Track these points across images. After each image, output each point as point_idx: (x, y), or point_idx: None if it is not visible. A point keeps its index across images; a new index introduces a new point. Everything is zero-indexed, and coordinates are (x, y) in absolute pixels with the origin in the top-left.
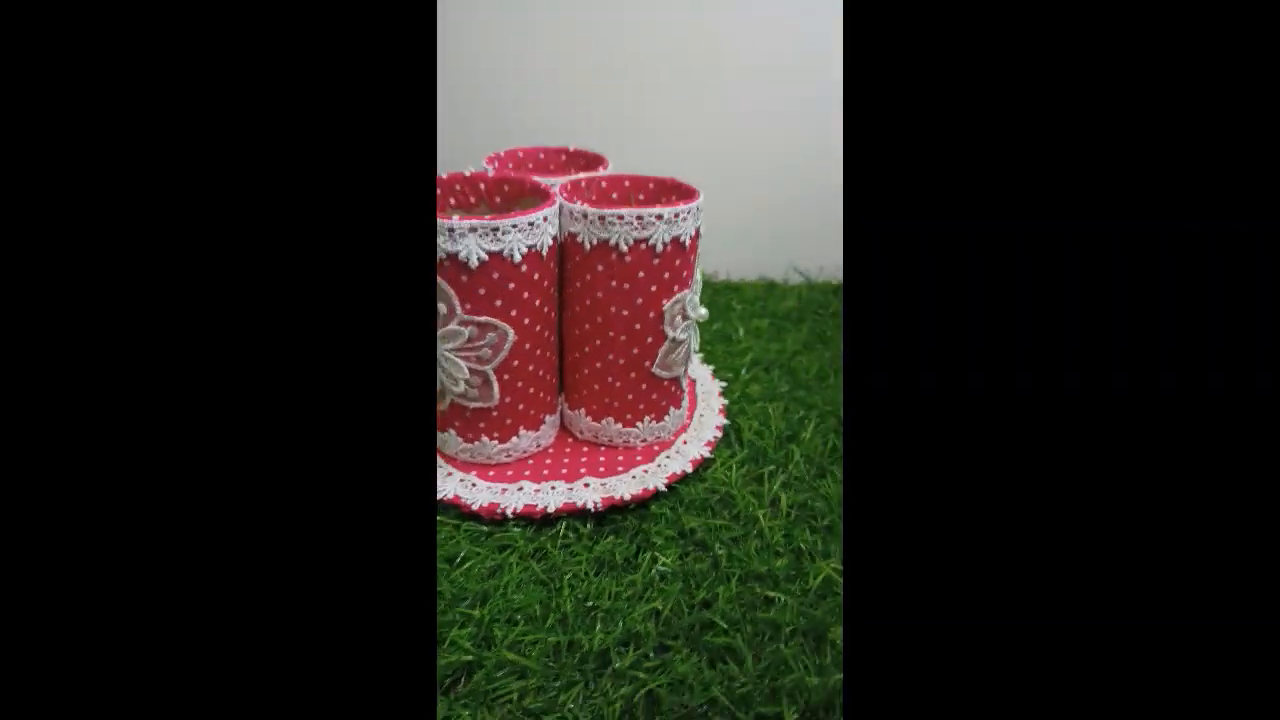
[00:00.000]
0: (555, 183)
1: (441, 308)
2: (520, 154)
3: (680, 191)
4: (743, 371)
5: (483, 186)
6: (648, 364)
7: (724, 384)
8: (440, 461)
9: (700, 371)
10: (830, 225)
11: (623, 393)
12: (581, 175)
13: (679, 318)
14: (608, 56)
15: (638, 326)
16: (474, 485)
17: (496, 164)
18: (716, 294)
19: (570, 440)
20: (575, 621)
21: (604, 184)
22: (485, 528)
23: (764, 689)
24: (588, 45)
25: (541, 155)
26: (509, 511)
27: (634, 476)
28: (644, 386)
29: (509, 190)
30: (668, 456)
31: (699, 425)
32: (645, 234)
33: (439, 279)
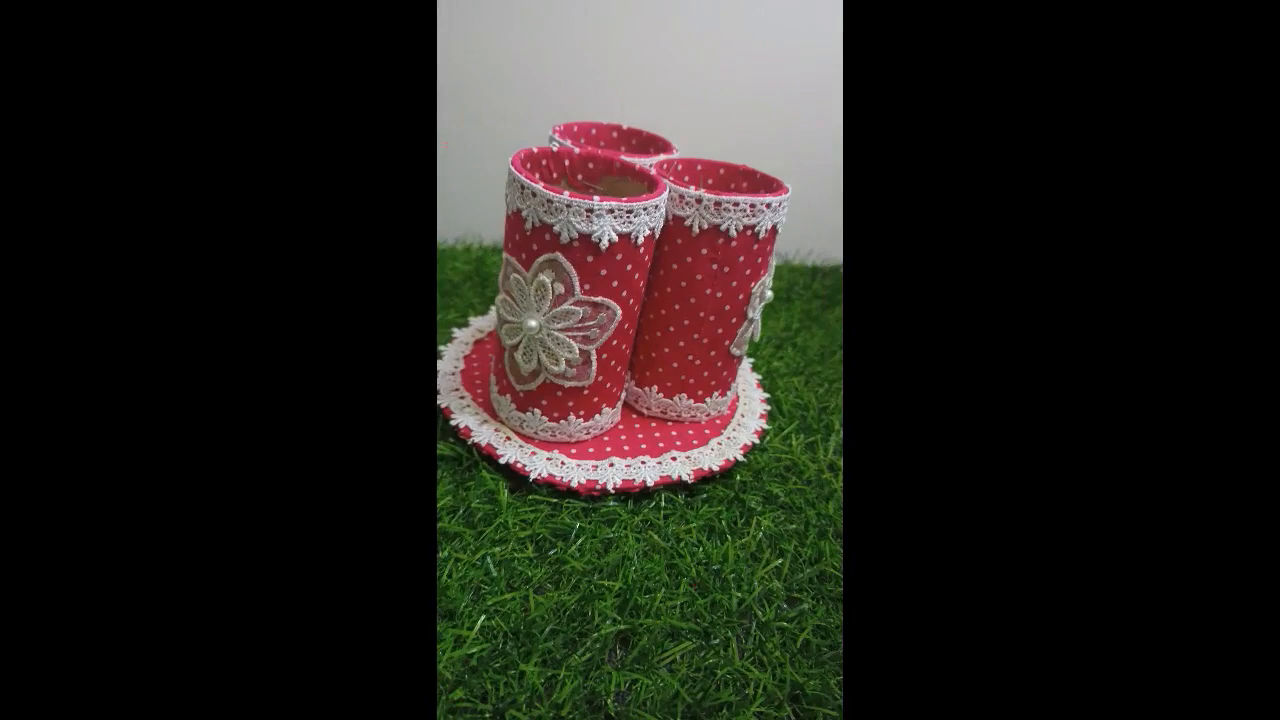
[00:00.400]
0: (645, 162)
1: (559, 287)
2: (575, 127)
3: (751, 179)
4: (761, 349)
5: (567, 163)
6: (727, 343)
7: (750, 359)
8: (519, 441)
9: None
10: (804, 212)
11: (700, 370)
12: (661, 158)
13: (758, 299)
14: (604, 41)
15: (727, 307)
16: (563, 463)
17: (564, 134)
18: None
19: (636, 417)
20: (709, 584)
21: (679, 166)
22: (583, 504)
23: None
24: (583, 30)
25: (594, 130)
26: (610, 487)
27: (712, 448)
28: (719, 364)
29: (593, 168)
30: (734, 429)
31: (745, 398)
32: (754, 221)
33: (562, 258)
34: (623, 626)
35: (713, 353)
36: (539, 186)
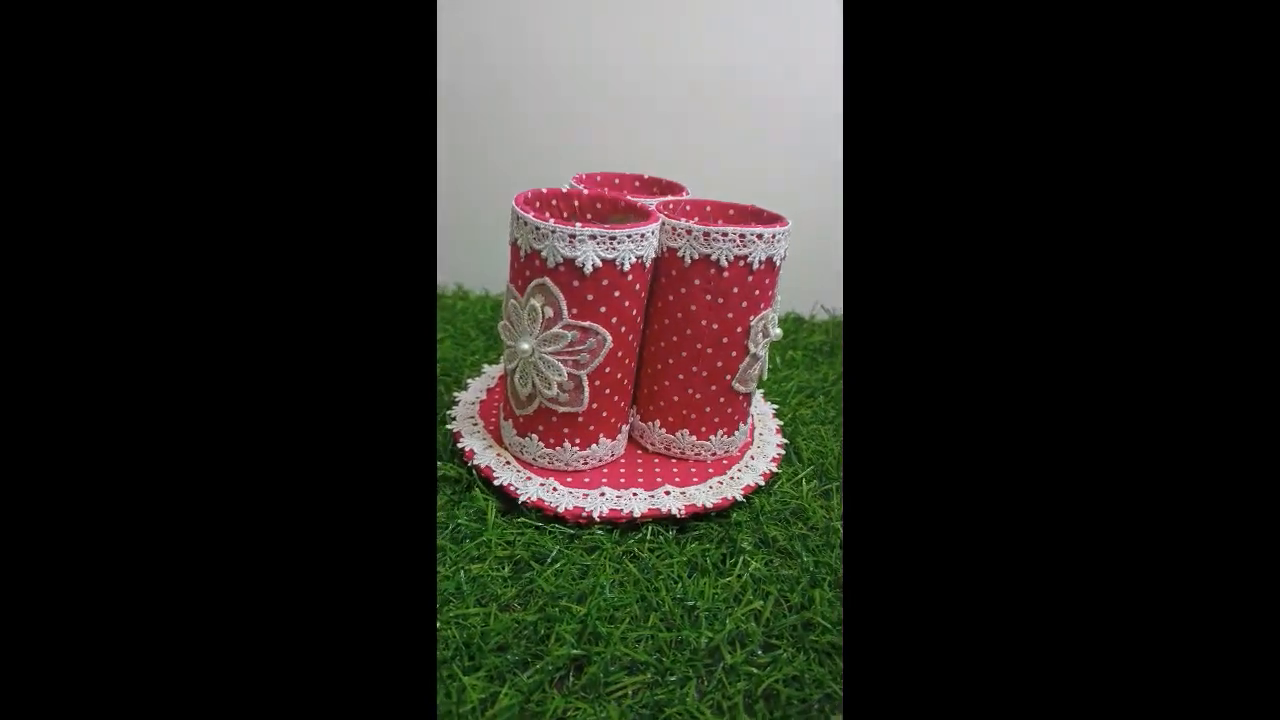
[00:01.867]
0: (649, 202)
1: (548, 311)
2: (599, 177)
3: (760, 217)
4: (789, 398)
5: (576, 203)
6: (728, 378)
7: (775, 406)
8: (518, 467)
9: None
10: None
11: (701, 405)
12: (669, 198)
13: (761, 334)
14: (647, 90)
15: (725, 340)
16: (555, 489)
17: (583, 183)
18: None
19: (640, 453)
20: (679, 619)
21: (688, 207)
22: (570, 530)
23: None
24: (623, 78)
25: (617, 180)
26: (595, 515)
27: (711, 487)
28: (721, 400)
29: (601, 207)
30: (739, 469)
31: (760, 443)
32: (745, 251)
33: (549, 281)
34: (578, 653)
35: (713, 387)
36: (529, 215)
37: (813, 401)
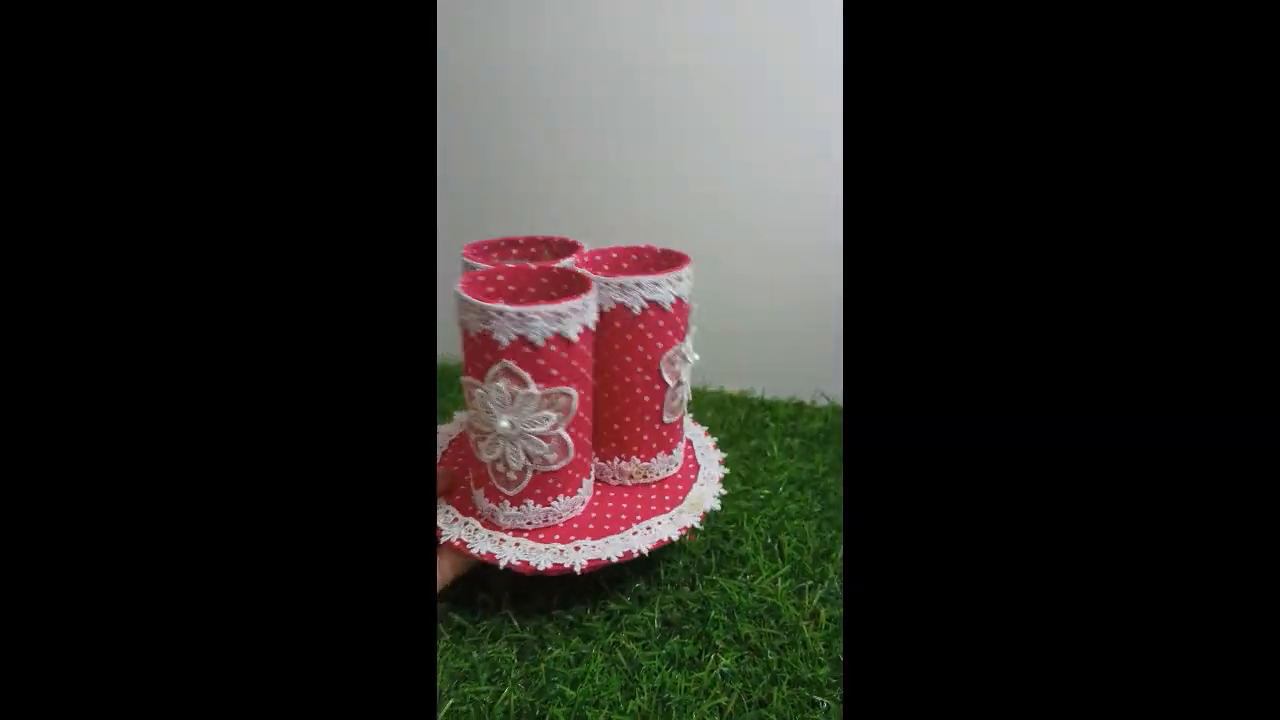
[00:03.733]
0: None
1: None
2: (503, 242)
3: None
4: (780, 489)
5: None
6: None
7: (714, 438)
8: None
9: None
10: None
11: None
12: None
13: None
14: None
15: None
16: (533, 549)
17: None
18: (753, 410)
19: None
20: (653, 710)
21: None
22: (570, 618)
23: None
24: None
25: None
26: (576, 568)
27: (622, 538)
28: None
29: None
30: (648, 527)
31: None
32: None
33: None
34: None
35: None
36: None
37: (802, 495)
